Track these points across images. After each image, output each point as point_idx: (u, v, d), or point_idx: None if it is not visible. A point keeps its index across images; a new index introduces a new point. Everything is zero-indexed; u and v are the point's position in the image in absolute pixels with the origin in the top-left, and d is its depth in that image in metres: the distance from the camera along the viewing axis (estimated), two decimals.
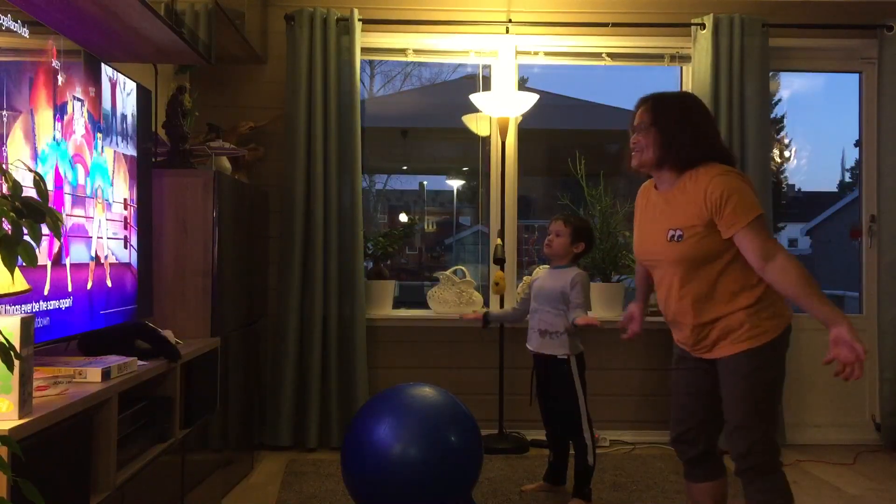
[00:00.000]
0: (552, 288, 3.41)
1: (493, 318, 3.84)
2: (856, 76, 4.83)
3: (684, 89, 4.70)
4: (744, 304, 2.31)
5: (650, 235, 2.45)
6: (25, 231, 1.40)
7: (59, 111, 2.31)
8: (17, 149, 2.06)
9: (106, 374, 2.21)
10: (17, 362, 1.62)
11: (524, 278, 4.65)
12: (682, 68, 4.74)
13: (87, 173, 2.50)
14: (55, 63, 2.28)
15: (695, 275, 2.34)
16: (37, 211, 1.42)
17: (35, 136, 2.16)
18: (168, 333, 2.78)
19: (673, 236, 2.35)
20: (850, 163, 6.40)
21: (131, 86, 2.91)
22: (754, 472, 2.31)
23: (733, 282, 2.32)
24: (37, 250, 1.43)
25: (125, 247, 2.81)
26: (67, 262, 2.34)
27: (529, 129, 4.80)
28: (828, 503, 3.55)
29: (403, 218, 7.75)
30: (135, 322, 2.80)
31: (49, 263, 2.20)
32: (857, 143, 4.90)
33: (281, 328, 4.30)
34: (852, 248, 4.92)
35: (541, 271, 3.73)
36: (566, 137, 6.45)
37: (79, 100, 2.44)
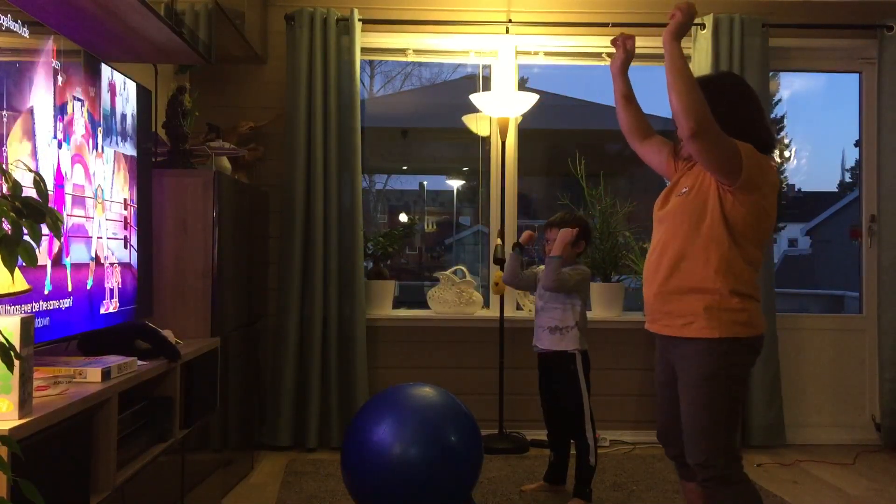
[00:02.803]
0: (558, 279, 3.42)
1: (511, 264, 3.62)
2: (856, 76, 4.83)
3: None
4: (711, 287, 2.22)
5: (666, 196, 2.41)
6: (25, 231, 1.40)
7: (59, 111, 2.31)
8: (17, 149, 2.06)
9: (106, 374, 2.21)
10: (17, 362, 1.62)
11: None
12: None
13: (87, 173, 2.50)
14: (55, 63, 2.28)
15: (683, 233, 2.27)
16: (37, 211, 1.42)
17: (35, 136, 2.16)
18: (168, 333, 2.78)
19: (681, 192, 2.32)
20: (850, 163, 6.41)
21: (131, 86, 2.91)
22: (717, 482, 2.23)
23: (710, 259, 2.23)
24: (37, 250, 1.43)
25: (125, 247, 2.81)
26: (67, 262, 2.34)
27: (529, 129, 4.81)
28: (828, 503, 3.55)
29: (403, 218, 7.75)
30: (135, 322, 2.80)
31: (49, 263, 2.20)
32: (857, 143, 4.91)
33: (281, 328, 4.30)
34: (852, 248, 4.92)
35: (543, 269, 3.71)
36: (566, 137, 6.45)
37: (79, 100, 2.44)
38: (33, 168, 2.09)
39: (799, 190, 9.71)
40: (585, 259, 4.38)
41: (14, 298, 1.87)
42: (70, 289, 2.34)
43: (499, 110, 4.37)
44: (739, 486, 2.25)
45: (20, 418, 1.70)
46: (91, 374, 2.19)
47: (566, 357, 3.40)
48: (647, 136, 2.56)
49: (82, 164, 2.46)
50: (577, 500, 3.34)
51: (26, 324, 1.73)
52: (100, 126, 2.61)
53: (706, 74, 2.45)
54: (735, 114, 2.29)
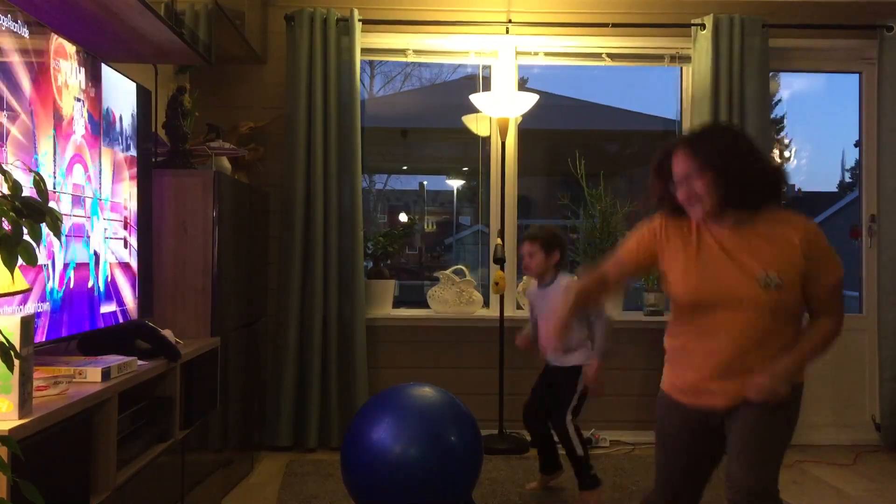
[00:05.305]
0: (555, 302, 3.41)
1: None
2: (856, 76, 4.83)
3: (685, 89, 4.71)
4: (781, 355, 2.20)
5: (726, 275, 2.16)
6: (25, 231, 1.40)
7: (59, 111, 2.31)
8: (17, 149, 2.06)
9: (106, 374, 2.21)
10: (17, 362, 1.62)
11: (524, 277, 4.65)
12: (682, 69, 4.74)
13: (87, 173, 2.50)
14: (55, 63, 2.28)
15: (776, 325, 2.17)
16: (37, 211, 1.42)
17: (35, 136, 2.16)
18: (168, 333, 2.78)
19: (769, 283, 2.11)
20: (850, 163, 6.40)
21: (131, 86, 2.91)
22: None
23: (793, 335, 2.23)
24: (37, 250, 1.43)
25: (125, 247, 2.81)
26: (68, 262, 2.34)
27: (529, 129, 4.80)
28: (828, 503, 3.55)
29: (403, 218, 7.75)
30: (135, 322, 2.80)
31: (49, 263, 2.20)
32: (857, 144, 4.90)
33: (281, 328, 4.30)
34: (852, 247, 4.92)
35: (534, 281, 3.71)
36: (566, 137, 6.45)
37: (79, 100, 2.44)
38: (33, 168, 2.09)
39: (799, 190, 9.70)
40: (585, 259, 4.38)
41: (14, 298, 1.87)
42: (70, 288, 2.34)
43: (499, 110, 4.37)
44: None
45: (20, 418, 1.71)
46: (91, 374, 2.19)
47: (572, 371, 3.40)
48: (621, 280, 2.41)
49: (82, 164, 2.46)
50: (585, 494, 3.34)
51: (26, 324, 1.73)
52: (100, 126, 2.60)
53: (702, 129, 2.28)
54: (764, 162, 2.25)
